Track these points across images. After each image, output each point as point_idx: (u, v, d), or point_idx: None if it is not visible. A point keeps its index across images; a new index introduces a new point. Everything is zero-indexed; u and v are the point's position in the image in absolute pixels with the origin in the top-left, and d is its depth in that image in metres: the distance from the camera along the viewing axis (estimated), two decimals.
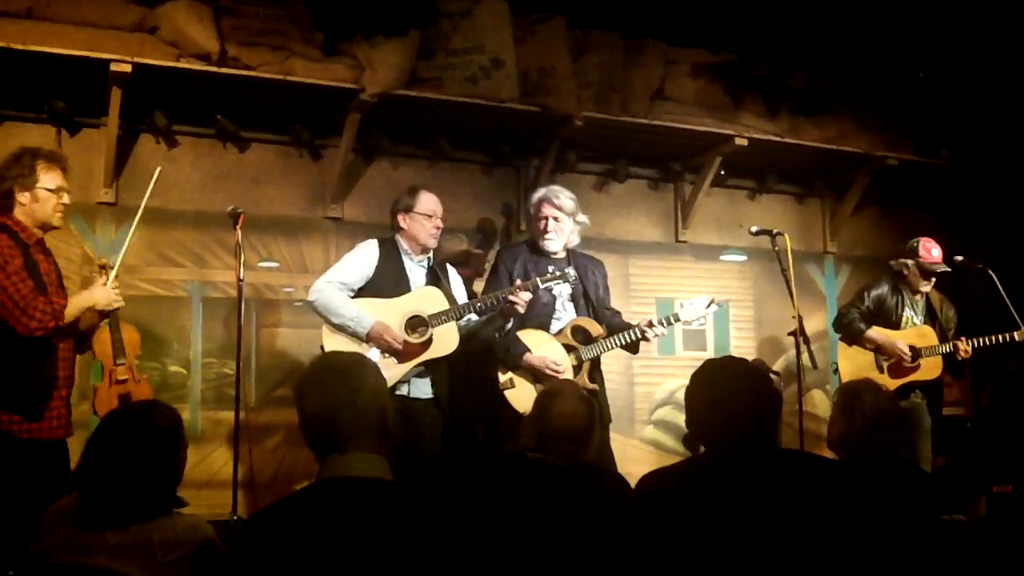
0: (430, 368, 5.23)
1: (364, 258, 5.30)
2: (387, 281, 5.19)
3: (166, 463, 2.95)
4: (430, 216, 5.34)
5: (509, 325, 5.34)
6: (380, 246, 5.37)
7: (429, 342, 5.14)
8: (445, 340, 5.17)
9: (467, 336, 5.34)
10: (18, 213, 4.35)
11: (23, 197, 4.33)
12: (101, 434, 3.00)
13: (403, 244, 5.38)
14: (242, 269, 4.83)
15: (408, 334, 5.12)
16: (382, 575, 2.31)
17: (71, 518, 2.83)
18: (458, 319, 5.19)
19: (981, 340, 6.28)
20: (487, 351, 5.42)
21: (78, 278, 5.85)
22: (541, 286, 5.24)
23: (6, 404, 4.19)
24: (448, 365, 5.34)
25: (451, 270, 5.60)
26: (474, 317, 5.36)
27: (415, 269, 5.39)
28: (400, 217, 5.38)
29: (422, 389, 5.22)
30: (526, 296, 5.16)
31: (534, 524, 3.34)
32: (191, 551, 2.77)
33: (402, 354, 5.10)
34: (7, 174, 4.33)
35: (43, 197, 4.36)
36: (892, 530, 3.00)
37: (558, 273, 5.25)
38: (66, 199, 4.46)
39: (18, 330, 4.12)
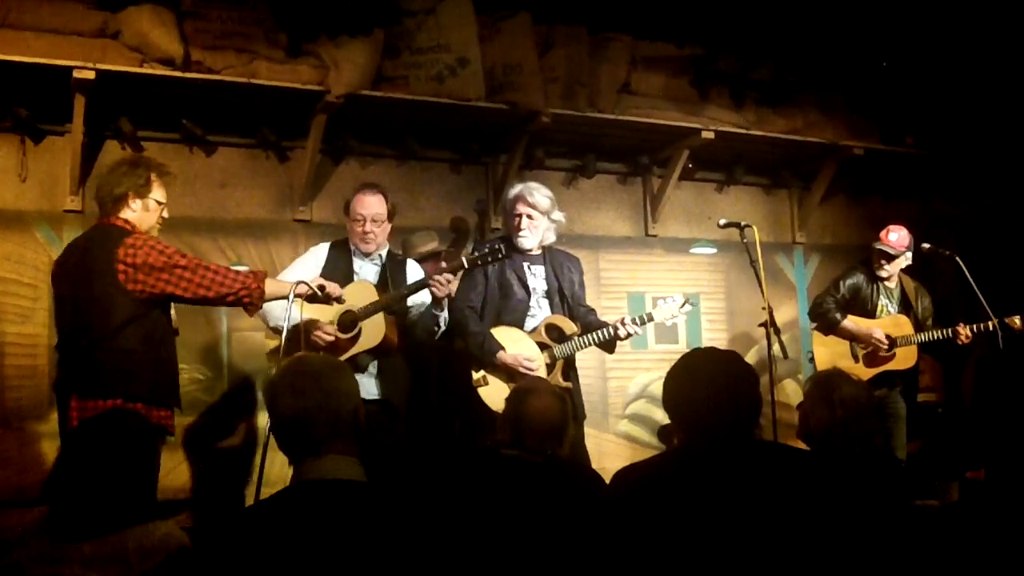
0: (375, 366, 5.19)
1: (309, 261, 5.33)
2: (336, 282, 5.04)
3: (141, 470, 2.93)
4: (357, 220, 5.33)
5: (443, 313, 5.27)
6: (331, 248, 5.40)
7: (358, 336, 5.10)
8: (371, 331, 5.10)
9: (411, 326, 5.32)
10: (127, 216, 4.52)
11: (135, 204, 4.54)
12: (73, 445, 2.98)
13: (352, 245, 5.39)
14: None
15: (340, 331, 5.08)
16: None
17: (45, 530, 2.81)
18: (385, 308, 5.10)
19: (978, 326, 6.32)
20: (463, 350, 5.42)
21: (46, 287, 5.79)
22: (467, 266, 5.17)
23: (161, 399, 4.43)
24: (402, 363, 5.32)
25: (411, 264, 5.57)
26: (417, 309, 5.33)
27: (366, 267, 5.38)
28: (345, 219, 5.43)
29: (367, 389, 5.08)
30: (446, 278, 5.10)
31: (510, 521, 3.35)
32: (166, 560, 2.76)
33: (333, 350, 5.05)
34: (125, 179, 4.54)
35: (152, 208, 4.59)
36: (868, 520, 3.02)
37: (487, 250, 5.18)
38: (166, 213, 4.67)
39: (229, 299, 4.45)
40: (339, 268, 5.31)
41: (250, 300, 4.44)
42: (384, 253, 5.44)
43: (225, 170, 6.48)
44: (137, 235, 4.40)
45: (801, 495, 2.72)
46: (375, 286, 5.24)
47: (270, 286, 4.50)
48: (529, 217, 5.50)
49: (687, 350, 3.71)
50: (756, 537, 2.59)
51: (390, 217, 5.45)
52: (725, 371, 2.92)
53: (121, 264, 4.30)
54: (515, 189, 5.60)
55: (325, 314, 5.05)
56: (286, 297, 4.48)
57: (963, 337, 6.29)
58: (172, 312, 4.97)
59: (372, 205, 5.35)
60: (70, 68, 5.51)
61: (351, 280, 5.26)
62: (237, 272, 4.47)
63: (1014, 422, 2.78)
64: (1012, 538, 2.64)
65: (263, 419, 4.11)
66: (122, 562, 2.73)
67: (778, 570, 2.57)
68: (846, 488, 3.11)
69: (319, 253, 5.40)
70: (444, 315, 5.31)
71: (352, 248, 5.40)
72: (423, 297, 5.26)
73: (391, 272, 5.38)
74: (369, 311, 5.07)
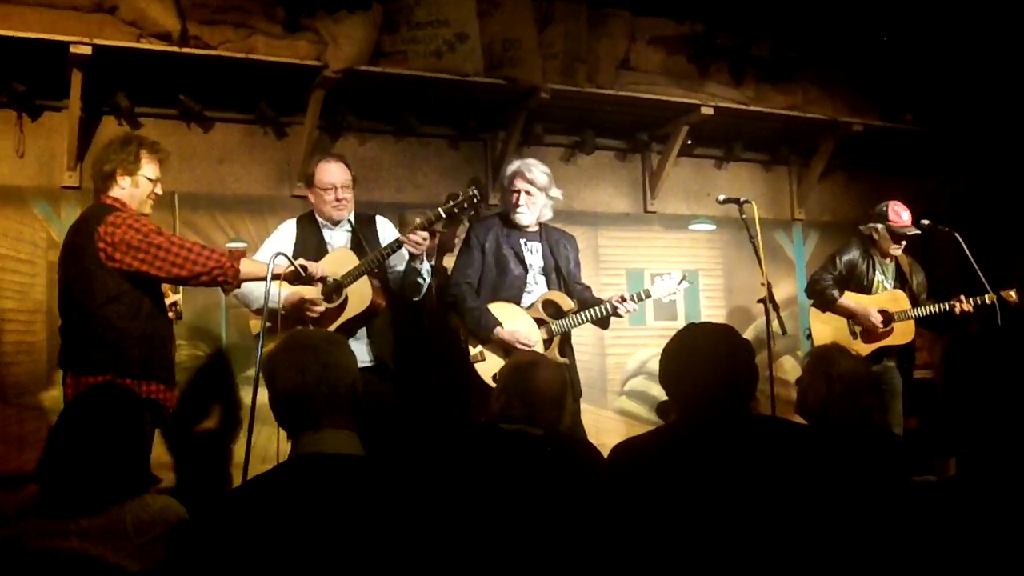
0: (364, 331, 5.18)
1: (280, 239, 5.30)
2: (309, 255, 5.02)
3: (133, 442, 2.93)
4: (328, 189, 5.30)
5: (423, 266, 5.22)
6: (298, 223, 5.39)
7: (345, 303, 5.08)
8: (359, 296, 5.08)
9: (397, 286, 5.30)
10: (116, 194, 4.53)
11: (123, 181, 4.54)
12: (64, 422, 2.98)
13: (318, 216, 5.37)
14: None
15: (326, 300, 5.05)
16: (358, 551, 2.31)
17: (41, 504, 2.81)
18: (367, 272, 5.08)
19: (976, 300, 6.32)
20: (462, 326, 5.42)
21: (44, 263, 5.81)
22: (443, 215, 5.09)
23: (153, 373, 4.42)
24: (388, 321, 5.31)
25: (380, 220, 5.54)
26: (401, 266, 5.28)
27: (337, 235, 5.37)
28: (307, 192, 5.41)
29: (359, 356, 5.01)
30: (421, 236, 5.03)
31: (512, 495, 3.35)
32: (164, 532, 2.77)
33: (321, 320, 5.04)
34: (113, 157, 4.54)
35: (142, 184, 4.58)
36: (866, 495, 3.02)
37: (461, 197, 5.11)
38: (159, 190, 4.67)
39: (203, 279, 4.41)
40: (310, 241, 5.30)
41: (224, 279, 4.43)
42: (351, 218, 5.42)
43: (223, 146, 6.47)
44: (118, 213, 4.40)
45: (799, 470, 2.72)
46: (351, 251, 5.22)
47: (247, 266, 4.49)
48: (527, 193, 5.51)
49: None
50: (753, 512, 2.59)
51: (354, 183, 5.44)
52: (721, 346, 2.92)
53: (101, 242, 4.32)
54: (513, 165, 5.60)
55: (307, 288, 5.00)
56: (265, 277, 4.41)
57: (965, 307, 6.30)
58: (179, 295, 4.99)
59: (339, 173, 5.34)
60: (67, 43, 5.48)
61: (324, 252, 5.24)
62: (212, 251, 4.46)
63: (985, 401, 2.77)
64: (1009, 514, 2.64)
65: (255, 394, 4.10)
66: (120, 535, 2.73)
67: (776, 545, 2.57)
68: (844, 463, 3.11)
69: (287, 230, 5.39)
70: (426, 267, 5.28)
71: (319, 220, 5.38)
72: (404, 254, 5.23)
73: (363, 234, 5.36)
74: (353, 277, 5.05)
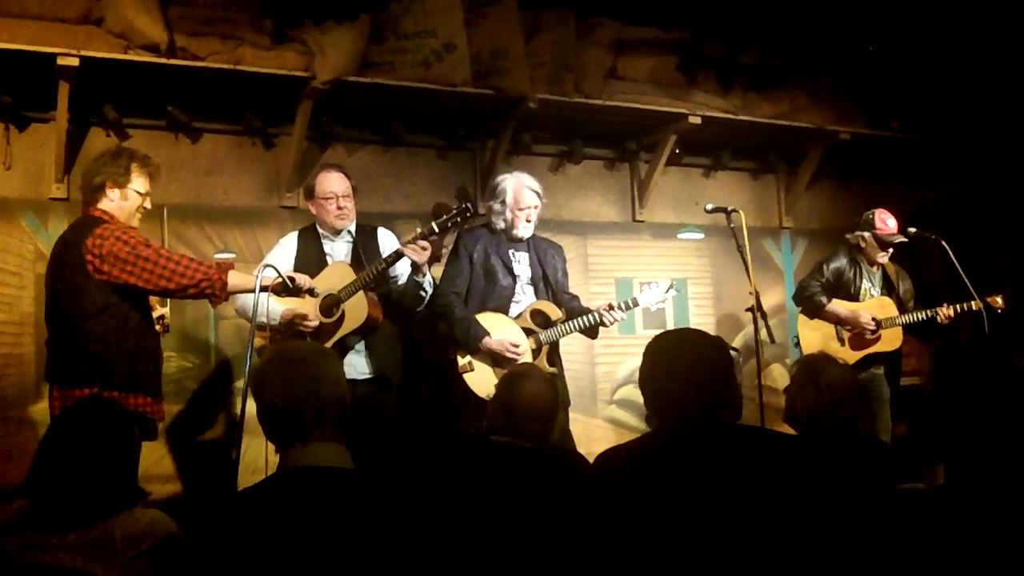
0: (363, 344, 5.20)
1: (280, 253, 5.33)
2: (310, 268, 5.09)
3: (121, 456, 2.92)
4: (329, 198, 5.31)
5: (425, 278, 5.23)
6: (299, 236, 5.42)
7: (342, 318, 5.09)
8: (354, 311, 5.09)
9: (399, 297, 5.32)
10: (105, 207, 4.51)
11: (113, 193, 4.53)
12: (52, 436, 2.97)
13: (320, 228, 5.39)
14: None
15: (323, 315, 5.07)
16: (347, 564, 2.31)
17: (30, 519, 2.80)
18: (364, 287, 5.08)
19: (960, 307, 6.34)
20: (449, 336, 5.42)
21: (32, 275, 5.79)
22: (436, 230, 5.06)
23: (140, 386, 4.41)
24: (390, 333, 5.31)
25: (382, 231, 5.55)
26: (403, 278, 5.29)
27: (338, 246, 5.39)
28: (308, 204, 5.42)
29: (358, 369, 5.16)
30: (422, 245, 5.02)
31: (501, 508, 3.35)
32: (153, 546, 2.76)
33: (319, 335, 5.05)
34: (104, 168, 4.53)
35: (131, 197, 4.57)
36: (854, 504, 3.03)
37: (455, 211, 5.10)
38: (148, 204, 4.66)
39: (191, 291, 4.41)
40: (311, 254, 5.33)
41: (212, 291, 4.42)
42: (352, 228, 5.44)
43: (211, 157, 6.45)
44: (106, 225, 4.39)
45: (785, 478, 2.72)
46: (350, 264, 5.24)
47: (235, 278, 4.47)
48: (536, 208, 5.54)
49: None
50: (740, 521, 2.59)
51: (354, 192, 5.46)
52: (704, 350, 2.91)
53: (89, 255, 4.31)
54: (511, 181, 5.57)
55: (306, 302, 5.02)
56: (253, 290, 4.40)
57: (942, 317, 6.32)
58: (167, 308, 4.99)
59: (340, 182, 5.36)
60: (54, 55, 5.46)
61: (324, 264, 5.27)
62: (200, 263, 4.45)
63: (974, 409, 2.79)
64: (997, 521, 2.65)
65: (248, 406, 4.09)
66: (109, 549, 2.72)
67: (763, 555, 2.57)
68: (832, 472, 3.12)
69: (288, 243, 5.42)
70: (428, 279, 5.28)
71: (321, 232, 5.40)
72: (406, 264, 5.22)
73: (363, 246, 5.37)
74: (349, 291, 5.06)
